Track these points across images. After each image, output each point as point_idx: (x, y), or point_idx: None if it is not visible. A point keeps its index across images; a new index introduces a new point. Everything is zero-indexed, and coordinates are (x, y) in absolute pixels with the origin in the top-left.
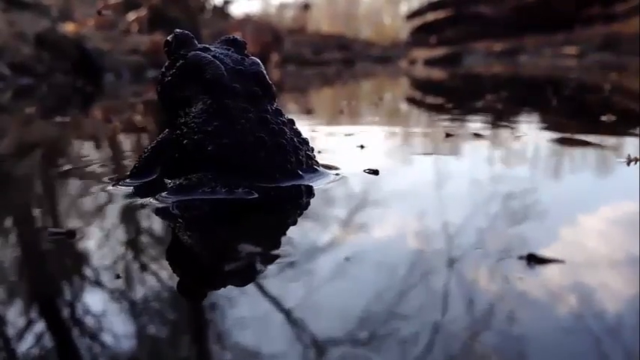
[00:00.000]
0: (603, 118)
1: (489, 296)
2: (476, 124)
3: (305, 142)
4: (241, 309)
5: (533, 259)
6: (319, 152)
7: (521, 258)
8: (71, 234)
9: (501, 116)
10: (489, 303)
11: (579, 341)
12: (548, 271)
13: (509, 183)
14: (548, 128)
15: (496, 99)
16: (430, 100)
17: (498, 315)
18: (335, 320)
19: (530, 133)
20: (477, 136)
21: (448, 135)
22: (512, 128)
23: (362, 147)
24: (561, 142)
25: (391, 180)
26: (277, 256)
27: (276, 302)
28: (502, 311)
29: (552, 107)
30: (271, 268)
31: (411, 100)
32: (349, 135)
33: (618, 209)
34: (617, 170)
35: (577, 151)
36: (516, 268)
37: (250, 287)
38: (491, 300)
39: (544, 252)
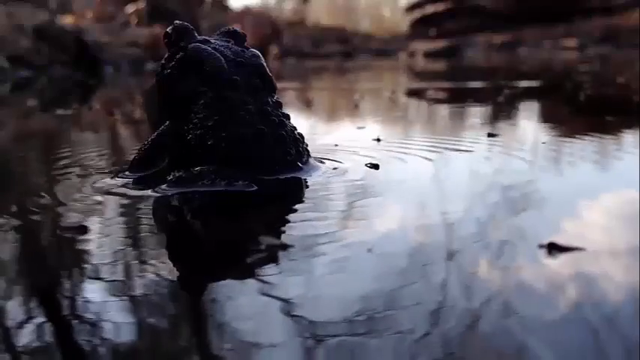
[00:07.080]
0: None
1: (518, 285)
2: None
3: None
4: (242, 300)
5: (554, 248)
6: (336, 145)
7: (541, 247)
8: (83, 229)
9: None
10: (516, 292)
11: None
12: (572, 259)
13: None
14: None
15: None
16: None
17: (531, 304)
18: (340, 311)
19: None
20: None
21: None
22: None
23: (378, 140)
24: None
25: (391, 174)
26: (274, 247)
27: (279, 293)
28: (535, 300)
29: None
30: (270, 258)
31: (416, 92)
32: (362, 128)
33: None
34: None
35: None
36: (539, 257)
37: (252, 279)
38: (520, 288)
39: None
